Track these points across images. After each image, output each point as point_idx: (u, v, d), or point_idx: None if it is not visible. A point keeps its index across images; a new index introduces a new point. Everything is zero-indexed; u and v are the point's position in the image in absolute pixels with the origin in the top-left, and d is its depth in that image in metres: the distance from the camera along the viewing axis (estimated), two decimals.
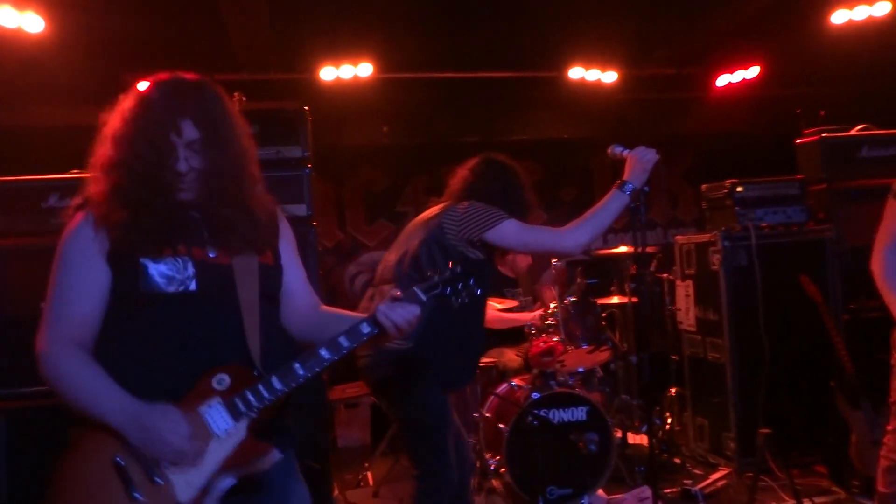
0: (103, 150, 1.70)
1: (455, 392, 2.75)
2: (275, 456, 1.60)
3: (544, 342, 3.99)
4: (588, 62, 5.48)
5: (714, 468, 4.11)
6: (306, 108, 3.63)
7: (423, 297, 1.73)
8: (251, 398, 1.58)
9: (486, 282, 2.82)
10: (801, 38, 5.13)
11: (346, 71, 5.12)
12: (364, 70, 5.13)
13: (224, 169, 1.69)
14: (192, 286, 1.63)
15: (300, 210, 3.51)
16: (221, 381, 1.59)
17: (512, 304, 4.48)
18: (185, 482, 1.53)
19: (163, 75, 1.79)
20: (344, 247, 6.06)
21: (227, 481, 1.56)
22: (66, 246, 1.66)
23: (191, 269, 1.63)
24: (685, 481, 3.92)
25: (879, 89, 5.39)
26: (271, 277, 1.77)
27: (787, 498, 3.58)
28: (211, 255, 1.67)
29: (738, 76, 5.75)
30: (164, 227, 1.64)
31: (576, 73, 5.52)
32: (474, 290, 1.78)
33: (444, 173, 6.29)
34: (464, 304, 2.49)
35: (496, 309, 4.42)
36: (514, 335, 4.65)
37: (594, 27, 4.91)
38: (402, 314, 1.67)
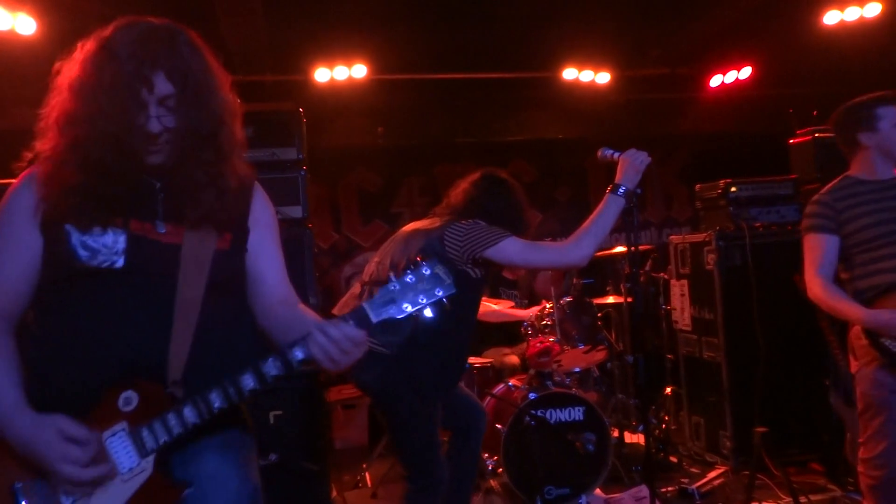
0: (60, 100, 1.46)
1: (442, 395, 2.74)
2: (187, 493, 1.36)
3: (541, 342, 3.99)
4: (582, 63, 5.50)
5: (711, 467, 4.12)
6: (301, 109, 3.63)
7: (374, 319, 1.40)
8: (159, 431, 1.35)
9: (477, 297, 2.82)
10: (792, 39, 5.17)
11: (341, 72, 5.13)
12: (358, 71, 5.14)
13: (200, 129, 1.45)
14: (119, 262, 1.39)
15: (296, 212, 3.50)
16: (129, 400, 1.36)
17: (507, 304, 4.49)
18: None
19: (128, 19, 1.50)
20: (339, 248, 6.06)
21: None
22: (3, 205, 1.48)
23: (122, 244, 1.40)
24: (682, 480, 3.94)
25: (871, 89, 5.41)
26: (225, 265, 1.49)
27: (783, 496, 3.60)
28: (159, 231, 1.44)
29: (731, 76, 5.79)
30: (106, 192, 1.41)
31: (569, 73, 5.54)
32: (450, 286, 1.44)
33: (438, 174, 6.36)
34: (455, 316, 2.53)
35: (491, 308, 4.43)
36: (510, 335, 4.66)
37: (587, 28, 4.93)
38: (334, 342, 1.36)
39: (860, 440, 2.64)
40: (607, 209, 2.56)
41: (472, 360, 4.36)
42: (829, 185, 2.80)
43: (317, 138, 4.20)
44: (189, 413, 1.35)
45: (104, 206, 1.41)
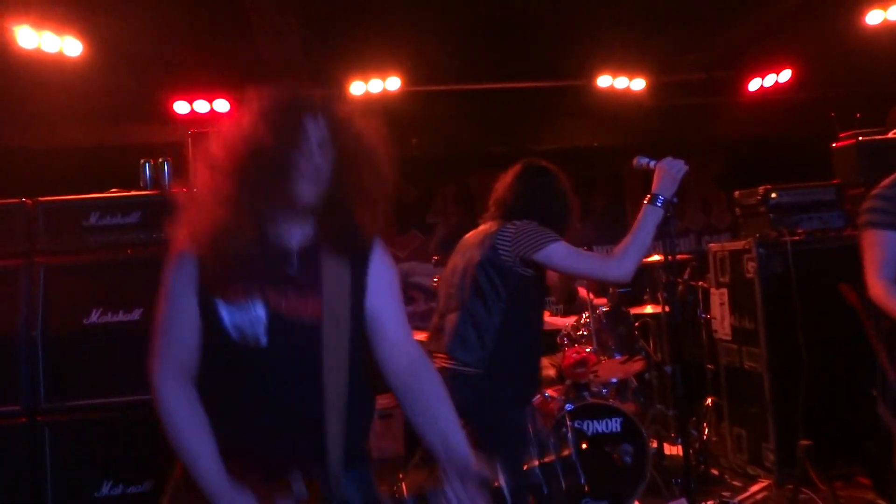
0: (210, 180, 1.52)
1: (528, 396, 2.82)
2: None
3: (577, 353, 3.97)
4: (616, 70, 5.47)
5: (753, 480, 4.03)
6: None
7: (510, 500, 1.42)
8: None
9: (542, 295, 2.84)
10: (834, 40, 5.05)
11: (375, 85, 5.19)
12: (392, 84, 5.20)
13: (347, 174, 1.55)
14: (263, 342, 1.46)
15: None
16: (300, 491, 1.42)
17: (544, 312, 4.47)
18: None
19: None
20: None
21: None
22: (167, 279, 1.56)
23: (262, 317, 1.45)
24: (723, 493, 3.86)
25: None
26: (359, 327, 1.55)
27: None
28: (298, 295, 1.48)
29: (770, 80, 5.68)
30: (246, 260, 1.46)
31: (604, 81, 5.51)
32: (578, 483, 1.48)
33: (472, 182, 6.37)
34: (526, 319, 2.57)
35: None
36: (547, 345, 4.63)
37: (622, 35, 4.90)
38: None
39: None
40: (645, 221, 2.52)
41: None
42: (890, 177, 2.69)
43: None
44: None
45: (244, 273, 1.47)
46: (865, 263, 2.61)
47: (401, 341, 1.63)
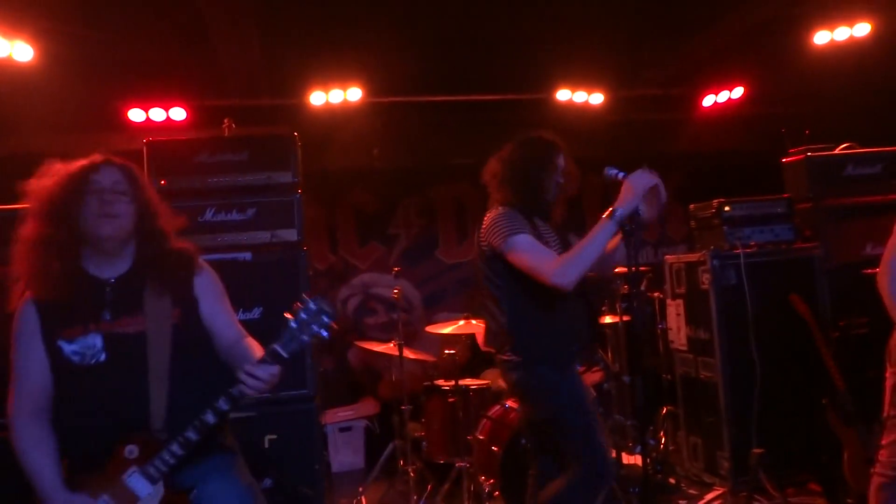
0: (25, 228, 1.97)
1: (573, 364, 2.79)
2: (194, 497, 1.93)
3: None
4: (575, 84, 5.54)
5: (709, 488, 4.10)
6: (296, 133, 3.65)
7: (285, 355, 1.88)
8: (161, 464, 1.89)
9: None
10: (784, 59, 5.21)
11: (336, 95, 5.16)
12: (353, 94, 5.18)
13: (145, 206, 2.02)
14: (102, 358, 1.93)
15: (291, 235, 3.51)
16: (131, 451, 1.91)
17: None
18: None
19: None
20: (336, 269, 6.06)
21: None
22: (14, 329, 1.98)
23: (98, 342, 1.94)
24: (680, 502, 3.91)
25: (862, 108, 5.47)
26: (183, 334, 2.00)
27: None
28: (121, 319, 1.96)
29: (724, 96, 5.83)
30: (75, 305, 1.93)
31: (563, 94, 5.58)
32: (332, 312, 1.90)
33: (434, 195, 6.37)
34: (531, 296, 2.59)
35: None
36: None
37: (581, 50, 4.97)
38: (261, 380, 1.86)
39: (883, 441, 2.63)
40: (596, 234, 2.53)
41: (468, 381, 4.35)
42: None
43: (313, 161, 4.22)
44: (175, 448, 1.90)
45: (78, 317, 1.94)
46: (886, 250, 2.61)
47: (226, 334, 2.09)
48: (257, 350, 2.03)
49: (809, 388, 3.91)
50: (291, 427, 3.36)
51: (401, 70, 5.02)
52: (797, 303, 3.81)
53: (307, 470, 3.32)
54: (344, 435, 5.21)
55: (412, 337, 5.61)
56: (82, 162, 2.02)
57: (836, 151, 4.32)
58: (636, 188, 2.52)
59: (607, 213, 2.54)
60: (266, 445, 3.26)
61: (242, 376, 1.86)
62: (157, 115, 5.00)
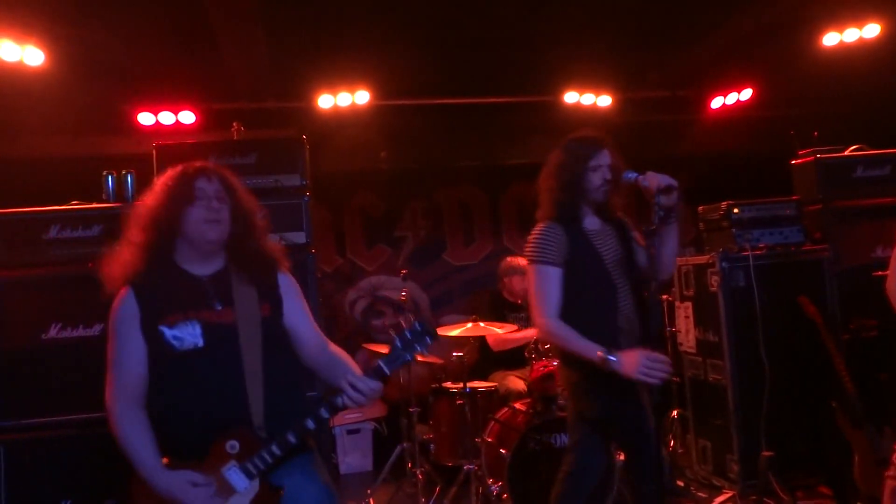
0: (133, 220, 2.12)
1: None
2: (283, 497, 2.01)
3: (544, 366, 3.98)
4: (583, 87, 5.54)
5: (718, 491, 4.08)
6: (304, 136, 3.67)
7: (388, 372, 2.00)
8: (259, 462, 1.98)
9: (584, 269, 2.67)
10: (793, 61, 5.19)
11: (344, 98, 5.18)
12: (361, 97, 5.19)
13: (243, 211, 2.14)
14: (200, 343, 2.02)
15: (299, 237, 3.53)
16: (233, 447, 1.99)
17: (512, 328, 4.49)
18: None
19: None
20: (343, 272, 6.07)
21: None
22: (113, 317, 2.08)
23: (198, 328, 2.03)
24: None
25: (871, 109, 5.45)
26: (272, 328, 2.10)
27: None
28: (217, 309, 2.06)
29: (732, 98, 5.81)
30: (174, 295, 2.04)
31: (571, 97, 5.57)
32: (430, 336, 2.02)
33: (441, 197, 6.38)
34: (575, 307, 2.59)
35: (497, 333, 4.43)
36: (515, 359, 4.65)
37: (588, 53, 4.97)
38: (363, 394, 1.98)
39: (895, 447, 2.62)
40: (586, 351, 2.54)
41: (476, 384, 4.35)
42: None
43: (320, 163, 4.24)
44: (275, 448, 2.00)
45: (178, 305, 2.04)
46: (893, 255, 2.62)
47: (311, 337, 2.20)
48: (348, 359, 2.18)
49: (818, 390, 3.89)
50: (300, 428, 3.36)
51: (408, 73, 5.03)
52: (806, 305, 3.79)
53: None
54: (352, 437, 5.22)
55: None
56: (185, 169, 2.13)
57: (846, 153, 4.31)
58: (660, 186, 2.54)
59: (601, 357, 2.50)
60: None
61: (346, 388, 1.97)
62: (167, 118, 5.03)
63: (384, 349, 4.57)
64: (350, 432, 5.21)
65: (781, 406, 3.89)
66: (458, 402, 4.15)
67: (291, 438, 1.99)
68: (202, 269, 2.13)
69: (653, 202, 2.54)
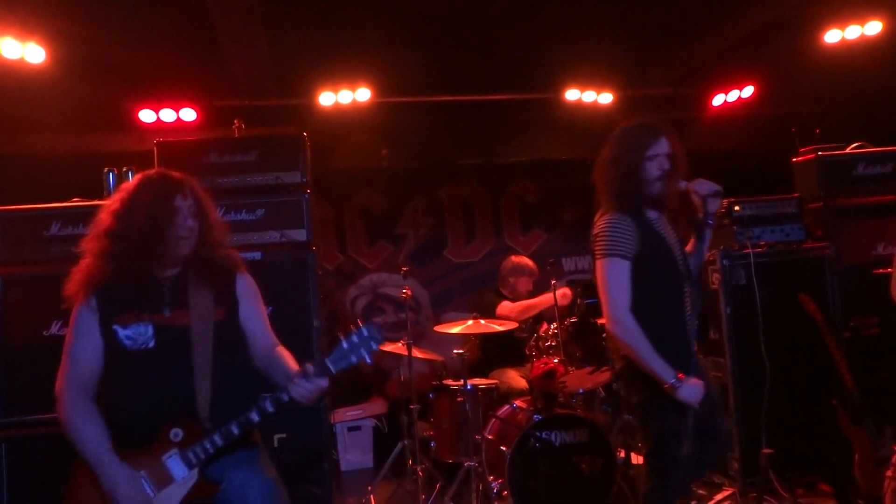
0: (99, 225, 2.16)
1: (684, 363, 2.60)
2: (221, 489, 2.05)
3: (545, 363, 3.99)
4: (584, 84, 5.53)
5: (718, 488, 4.08)
6: (305, 133, 3.67)
7: (333, 370, 2.03)
8: (201, 452, 2.03)
9: (654, 276, 2.58)
10: (794, 58, 5.18)
11: (345, 96, 5.18)
12: (362, 94, 5.19)
13: (208, 225, 2.19)
14: (151, 344, 2.09)
15: (300, 235, 3.53)
16: (176, 434, 2.03)
17: (512, 326, 4.49)
18: None
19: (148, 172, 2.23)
20: (344, 269, 6.08)
21: None
22: (76, 311, 2.15)
23: (150, 329, 2.09)
24: (690, 502, 3.89)
25: (873, 107, 5.44)
26: (225, 331, 2.17)
27: None
28: (166, 315, 2.12)
29: (734, 95, 5.80)
30: (133, 297, 2.11)
31: (572, 94, 5.57)
32: (379, 339, 2.06)
33: (443, 195, 6.38)
34: (646, 307, 2.51)
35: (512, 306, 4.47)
36: (516, 356, 4.65)
37: (590, 50, 4.96)
38: (307, 389, 2.02)
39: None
40: (651, 365, 2.48)
41: (476, 381, 4.35)
42: None
43: (322, 161, 4.23)
44: (217, 438, 2.03)
45: (134, 307, 2.11)
46: (894, 258, 2.63)
47: (262, 339, 2.26)
48: (292, 361, 2.20)
49: (819, 388, 3.89)
50: (300, 426, 3.37)
51: (410, 70, 5.03)
52: (807, 303, 3.79)
53: (316, 469, 3.34)
54: (353, 434, 5.23)
55: (420, 336, 5.62)
56: (161, 184, 2.16)
57: (847, 151, 4.30)
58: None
59: (671, 386, 2.46)
60: (275, 445, 3.27)
61: (293, 383, 2.02)
62: (168, 115, 5.03)
63: (386, 346, 4.59)
64: (351, 429, 5.22)
65: (782, 404, 3.89)
66: (459, 399, 4.16)
67: (234, 430, 2.03)
68: (162, 271, 2.18)
69: (701, 207, 2.58)
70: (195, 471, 2.03)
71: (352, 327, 2.05)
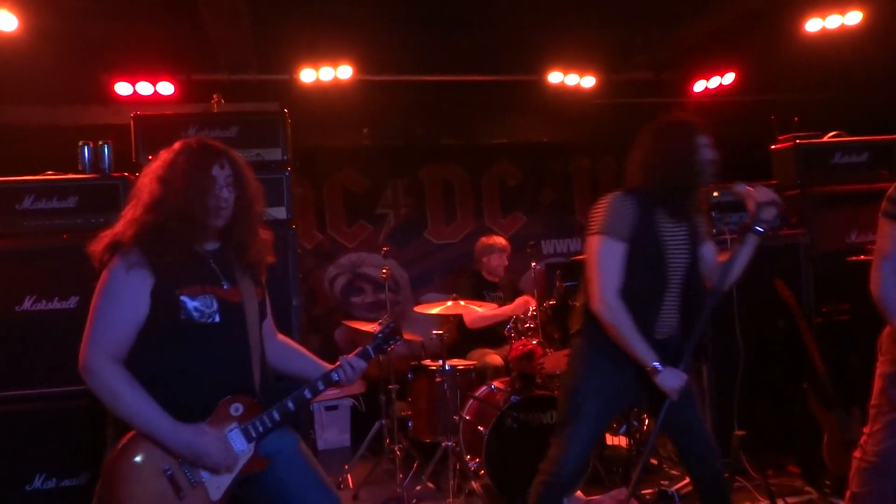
0: (146, 191, 2.06)
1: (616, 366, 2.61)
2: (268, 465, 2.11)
3: (524, 345, 4.01)
4: (567, 67, 5.52)
5: None
6: (286, 110, 3.62)
7: (372, 354, 2.28)
8: (260, 426, 2.07)
9: (642, 262, 2.55)
10: (775, 46, 5.21)
11: (326, 73, 5.11)
12: (344, 72, 5.13)
13: (247, 198, 2.13)
14: (217, 318, 2.05)
15: (280, 213, 3.50)
16: (237, 409, 2.06)
17: (492, 306, 4.51)
18: (215, 486, 2.01)
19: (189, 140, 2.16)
20: (323, 248, 6.05)
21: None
22: (112, 276, 2.00)
23: (215, 303, 2.06)
24: (662, 482, 3.97)
25: (851, 96, 5.50)
26: (262, 312, 2.22)
27: (761, 498, 3.64)
28: (224, 288, 2.10)
29: (715, 82, 5.83)
30: (188, 267, 2.05)
31: (555, 77, 5.55)
32: (398, 337, 2.36)
33: (423, 175, 6.36)
34: (631, 286, 2.50)
35: (477, 312, 4.45)
36: (494, 338, 4.68)
37: (573, 33, 4.95)
38: (355, 370, 2.23)
39: (866, 430, 2.69)
40: (639, 352, 2.49)
41: (455, 362, 4.37)
42: None
43: (302, 138, 4.19)
44: (276, 414, 2.10)
45: (198, 279, 2.06)
46: (875, 250, 2.62)
47: (269, 322, 2.32)
48: (300, 347, 2.40)
49: (791, 372, 3.97)
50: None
51: (393, 49, 4.98)
52: (781, 288, 3.85)
53: None
54: (330, 413, 5.23)
55: (399, 317, 5.62)
56: (202, 151, 2.09)
57: (825, 139, 4.35)
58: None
59: (653, 368, 2.47)
60: None
61: (344, 364, 2.21)
62: (145, 88, 4.93)
63: (364, 325, 4.59)
64: (328, 408, 5.23)
65: (755, 387, 3.95)
66: (438, 379, 4.17)
67: (291, 405, 2.10)
68: (201, 244, 2.13)
69: (754, 214, 2.55)
70: (252, 444, 2.06)
71: (380, 322, 2.39)
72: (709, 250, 2.74)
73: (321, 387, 2.17)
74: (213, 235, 2.13)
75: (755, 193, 2.58)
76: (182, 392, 2.01)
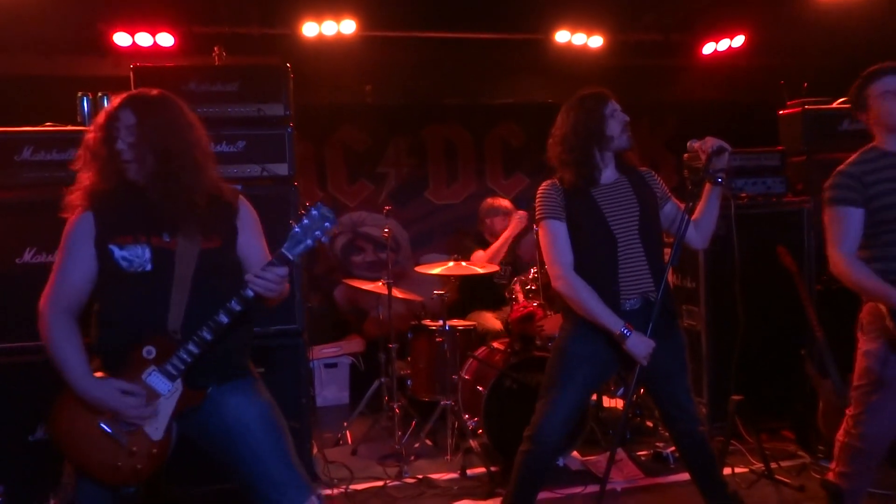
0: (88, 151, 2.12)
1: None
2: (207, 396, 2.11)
3: (524, 307, 4.02)
4: (575, 26, 5.42)
5: None
6: (288, 64, 3.55)
7: (291, 257, 2.04)
8: (179, 363, 2.04)
9: (585, 233, 2.69)
10: (787, 10, 5.11)
11: (329, 27, 5.01)
12: (347, 27, 5.03)
13: (161, 149, 2.07)
14: (148, 267, 2.06)
15: (282, 169, 3.47)
16: (150, 352, 2.04)
17: (494, 268, 4.50)
18: (153, 427, 2.05)
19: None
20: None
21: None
22: (69, 231, 2.10)
23: (147, 252, 2.07)
24: (657, 444, 4.02)
25: (862, 63, 5.39)
26: (212, 259, 2.13)
27: (755, 461, 3.70)
28: (165, 240, 2.09)
29: (724, 45, 5.73)
30: (128, 216, 2.08)
31: (562, 36, 5.46)
32: (332, 219, 2.04)
33: (426, 134, 6.29)
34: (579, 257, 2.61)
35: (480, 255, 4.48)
36: (495, 299, 4.69)
37: None
38: (267, 279, 2.02)
39: (848, 411, 2.72)
40: (603, 318, 2.60)
41: (455, 322, 4.39)
42: (854, 155, 2.77)
43: (303, 94, 4.12)
44: (192, 347, 2.04)
45: (130, 228, 2.08)
46: (828, 240, 2.69)
47: (257, 265, 2.14)
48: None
49: (790, 338, 3.99)
50: (279, 361, 3.39)
51: (397, 4, 4.87)
52: (784, 255, 3.84)
53: (294, 404, 3.37)
54: (329, 371, 5.27)
55: (400, 277, 5.62)
56: (117, 100, 2.12)
57: (833, 106, 4.29)
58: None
59: (620, 333, 2.57)
60: None
61: (251, 277, 2.03)
62: (144, 39, 4.83)
63: (365, 284, 4.60)
64: (328, 366, 5.26)
65: (752, 352, 3.98)
66: (438, 339, 4.19)
67: (207, 335, 2.03)
68: (143, 199, 2.13)
69: (706, 163, 2.66)
70: (178, 381, 2.05)
71: (302, 211, 2.05)
72: (672, 207, 2.83)
73: (236, 306, 2.04)
74: (137, 186, 2.11)
75: (704, 145, 2.68)
76: (107, 341, 2.08)
